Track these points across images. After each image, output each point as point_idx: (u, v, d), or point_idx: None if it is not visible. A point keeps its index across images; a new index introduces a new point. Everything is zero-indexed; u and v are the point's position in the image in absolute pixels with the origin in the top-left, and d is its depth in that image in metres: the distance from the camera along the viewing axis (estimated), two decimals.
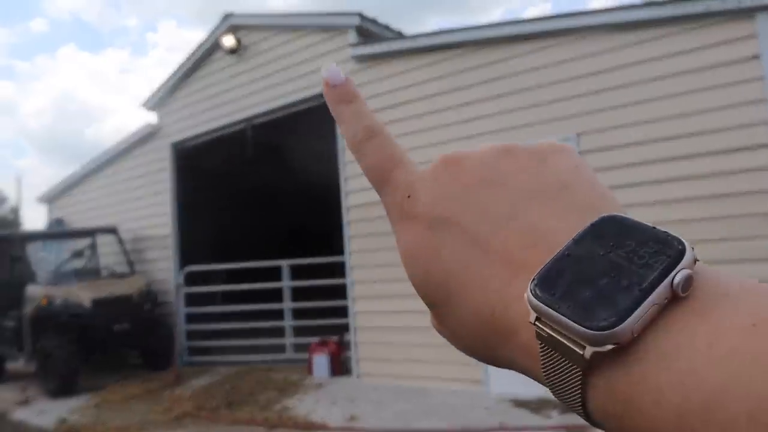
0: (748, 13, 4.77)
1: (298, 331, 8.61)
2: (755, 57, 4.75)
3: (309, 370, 7.62)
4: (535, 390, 5.75)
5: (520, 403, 5.61)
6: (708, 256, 4.87)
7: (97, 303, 8.34)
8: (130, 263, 9.74)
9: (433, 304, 0.35)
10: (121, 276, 9.43)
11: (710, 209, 4.93)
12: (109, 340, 8.63)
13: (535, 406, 5.48)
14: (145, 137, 10.24)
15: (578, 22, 5.67)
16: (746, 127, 4.78)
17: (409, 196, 0.37)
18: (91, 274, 9.80)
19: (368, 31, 7.48)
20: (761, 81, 4.72)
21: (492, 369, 6.10)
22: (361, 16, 7.33)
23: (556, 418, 5.11)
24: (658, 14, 5.24)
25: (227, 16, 8.78)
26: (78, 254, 10.33)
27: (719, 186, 4.90)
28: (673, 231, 0.27)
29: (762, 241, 4.68)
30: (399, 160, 0.40)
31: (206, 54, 9.29)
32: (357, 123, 0.41)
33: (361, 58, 7.28)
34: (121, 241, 9.90)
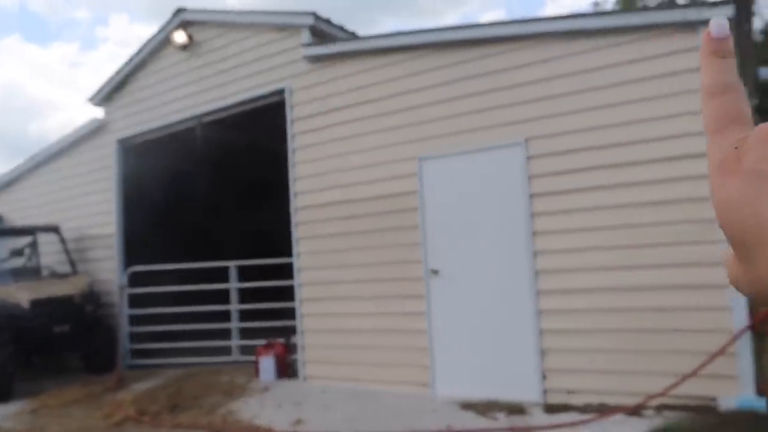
0: (692, 26, 4.91)
1: (246, 334, 8.48)
2: (698, 69, 4.88)
3: (256, 372, 7.51)
4: (482, 392, 5.81)
5: (467, 405, 5.63)
6: (651, 260, 5.01)
7: (36, 304, 8.04)
8: (72, 263, 9.43)
9: (744, 247, 0.40)
10: (63, 276, 9.12)
11: (654, 215, 5.06)
12: (49, 343, 8.33)
13: (482, 408, 5.51)
14: (91, 133, 9.94)
15: (531, 29, 5.75)
16: (689, 136, 4.92)
17: (736, 148, 0.41)
18: (30, 273, 9.45)
19: (322, 31, 7.44)
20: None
21: (439, 372, 6.12)
22: (315, 15, 7.28)
23: (502, 420, 5.14)
24: (608, 24, 5.37)
25: (179, 12, 8.61)
26: (17, 253, 9.95)
27: (663, 193, 5.02)
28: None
29: (704, 246, 4.81)
30: (742, 118, 0.44)
31: (156, 49, 9.09)
32: (722, 76, 0.46)
33: (314, 59, 7.23)
34: (63, 240, 9.57)
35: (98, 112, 9.92)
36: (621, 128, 5.23)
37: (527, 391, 5.56)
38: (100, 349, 8.74)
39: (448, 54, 6.25)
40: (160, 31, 8.92)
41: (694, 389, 4.71)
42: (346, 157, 6.91)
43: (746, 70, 5.74)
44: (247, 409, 6.17)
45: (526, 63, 5.76)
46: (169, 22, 8.74)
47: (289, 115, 7.44)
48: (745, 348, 4.59)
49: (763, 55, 20.19)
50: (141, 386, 7.65)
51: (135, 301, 9.11)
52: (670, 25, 5.03)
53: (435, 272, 6.20)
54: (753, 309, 4.66)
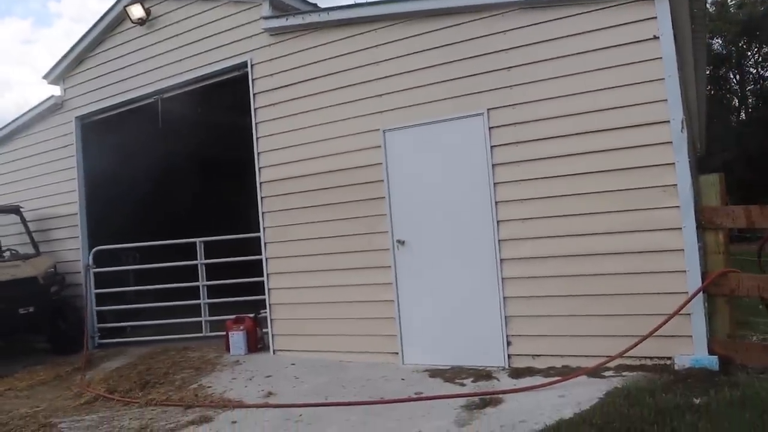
0: None
1: (216, 309, 8.47)
2: (655, 38, 4.98)
3: (226, 347, 7.55)
4: (449, 360, 5.93)
5: (435, 373, 5.75)
6: (607, 227, 5.15)
7: (0, 286, 7.93)
8: (35, 244, 9.28)
9: None
10: (26, 258, 8.97)
11: (611, 182, 5.17)
12: (14, 325, 8.26)
13: (449, 375, 5.63)
14: (48, 110, 9.69)
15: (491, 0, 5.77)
16: (646, 104, 5.02)
17: None
18: None
19: (283, 3, 7.34)
20: (660, 60, 4.96)
21: (406, 340, 6.23)
22: None
23: (469, 385, 5.27)
24: None
25: None
26: None
27: (619, 160, 5.13)
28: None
29: (660, 212, 4.95)
30: None
31: (114, 24, 8.87)
32: None
33: (275, 31, 7.15)
34: (24, 221, 9.40)
35: (55, 90, 9.69)
36: (578, 98, 5.31)
37: (493, 357, 5.70)
38: (66, 329, 8.68)
39: (409, 25, 6.23)
40: (115, 5, 8.70)
41: (652, 350, 4.88)
42: (310, 131, 6.89)
43: (698, 42, 5.85)
44: (218, 383, 6.21)
45: (487, 33, 5.78)
46: None
47: (252, 89, 7.37)
48: (698, 309, 4.76)
49: (716, 27, 20.56)
50: (110, 365, 7.64)
51: (101, 280, 9.02)
52: None
53: (401, 243, 6.27)
54: (706, 271, 4.83)
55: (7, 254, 9.33)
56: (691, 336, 4.78)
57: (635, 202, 5.06)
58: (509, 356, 5.65)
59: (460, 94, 5.92)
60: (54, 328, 8.68)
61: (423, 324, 6.16)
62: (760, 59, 27.85)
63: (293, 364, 6.65)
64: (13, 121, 10.22)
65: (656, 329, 4.75)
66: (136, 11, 8.34)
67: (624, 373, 4.89)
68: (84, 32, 9.19)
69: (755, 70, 28.36)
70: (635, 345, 4.82)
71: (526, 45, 5.58)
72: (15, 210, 9.48)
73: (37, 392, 6.76)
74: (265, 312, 7.33)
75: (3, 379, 7.40)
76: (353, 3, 6.88)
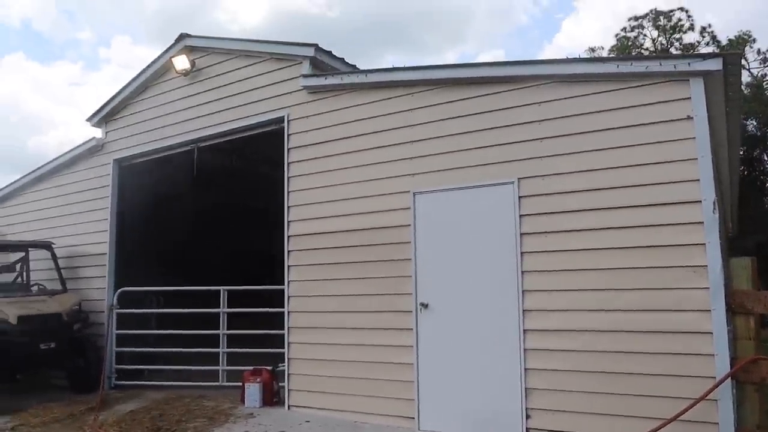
0: (683, 76, 5.04)
1: (234, 359, 8.44)
2: (689, 118, 5.01)
3: (241, 398, 7.48)
4: (466, 428, 5.80)
5: None
6: (634, 304, 5.07)
7: (24, 320, 8.02)
8: (63, 281, 9.41)
9: None
10: (52, 293, 9.10)
11: (641, 259, 5.12)
12: (34, 359, 8.29)
13: None
14: (89, 151, 9.99)
15: (527, 71, 5.89)
16: (678, 183, 5.01)
17: None
18: (20, 289, 9.43)
19: (323, 63, 7.56)
20: (693, 140, 4.98)
21: (423, 406, 6.12)
22: (317, 47, 7.41)
23: None
24: (602, 70, 5.51)
25: (182, 37, 8.75)
26: (8, 268, 9.93)
27: (650, 237, 5.09)
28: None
29: (689, 292, 4.87)
30: None
31: (158, 73, 9.20)
32: None
33: (313, 89, 7.35)
34: (54, 257, 9.57)
35: (97, 132, 10.01)
36: (611, 172, 5.32)
37: (511, 429, 5.56)
38: (85, 368, 8.69)
39: (445, 91, 6.37)
40: (162, 55, 9.04)
41: None
42: (341, 188, 6.99)
43: (733, 123, 5.87)
44: None
45: (521, 104, 5.87)
46: (171, 47, 8.87)
47: (286, 143, 7.53)
48: (726, 396, 4.62)
49: (751, 109, 20.57)
50: (125, 407, 7.61)
51: (124, 321, 9.08)
52: (663, 74, 5.15)
53: (424, 306, 6.24)
54: (735, 357, 4.70)
55: (34, 289, 9.46)
56: (717, 423, 4.62)
57: (664, 281, 4.99)
58: (528, 429, 5.50)
59: (491, 161, 5.98)
60: (73, 366, 8.70)
61: (441, 390, 6.06)
62: None
63: (307, 421, 6.56)
64: (54, 159, 10.54)
65: (681, 413, 4.60)
66: (181, 63, 8.64)
67: None
68: (129, 79, 9.55)
69: None
70: (659, 428, 4.67)
71: (559, 117, 5.65)
72: (47, 246, 9.67)
73: (49, 430, 6.76)
74: (284, 366, 7.28)
75: (18, 414, 7.41)
76: (391, 67, 7.06)
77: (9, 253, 10.25)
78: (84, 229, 9.90)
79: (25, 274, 9.85)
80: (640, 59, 5.64)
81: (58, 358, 8.51)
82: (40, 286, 9.46)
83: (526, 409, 5.53)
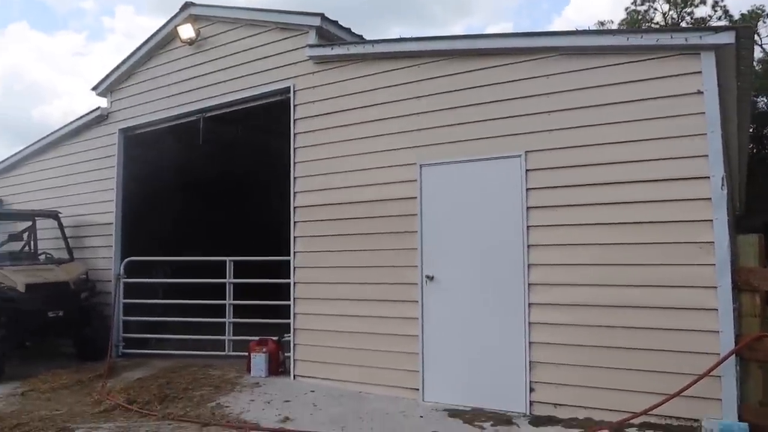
0: (694, 50, 4.96)
1: (240, 329, 8.51)
2: (699, 92, 4.94)
3: (247, 368, 7.57)
4: (470, 400, 5.86)
5: (454, 413, 5.70)
6: (640, 279, 5.07)
7: (32, 288, 8.10)
8: (70, 250, 9.47)
9: None
10: (59, 262, 9.16)
11: (648, 235, 5.10)
12: (42, 327, 8.39)
13: (469, 416, 5.57)
14: (93, 121, 9.97)
15: (535, 43, 5.80)
16: (686, 158, 4.97)
17: None
18: (27, 258, 9.50)
19: (329, 33, 7.48)
20: (702, 115, 4.91)
21: (428, 377, 6.18)
22: (323, 17, 7.33)
23: (488, 430, 5.19)
24: (611, 42, 5.43)
25: (187, 6, 8.66)
26: (15, 237, 9.99)
27: (657, 213, 5.06)
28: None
29: (695, 269, 4.86)
30: None
31: (163, 42, 9.13)
32: None
33: (319, 60, 7.28)
34: (61, 227, 9.61)
35: (102, 102, 9.98)
36: (617, 147, 5.27)
37: (514, 403, 5.62)
38: (92, 336, 8.79)
39: (452, 63, 6.29)
40: (167, 24, 8.97)
41: (678, 410, 4.76)
42: (347, 160, 6.96)
43: (743, 99, 5.79)
44: (236, 404, 6.22)
45: (529, 76, 5.80)
46: (176, 15, 8.78)
47: (292, 114, 7.49)
48: (730, 372, 4.64)
49: (762, 86, 20.28)
50: (132, 375, 7.71)
51: (130, 290, 9.15)
52: (673, 47, 5.07)
53: (430, 278, 6.25)
54: (740, 334, 4.71)
55: (42, 257, 9.53)
56: (720, 399, 4.65)
57: (670, 256, 4.98)
58: (531, 403, 5.55)
59: (498, 134, 5.93)
60: (80, 334, 8.80)
61: (446, 362, 6.11)
62: None
63: (312, 391, 6.64)
64: (60, 129, 10.53)
65: (685, 389, 4.64)
66: (186, 32, 8.56)
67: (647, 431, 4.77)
68: (134, 48, 9.49)
69: None
70: (662, 403, 4.72)
71: (568, 90, 5.58)
72: (54, 215, 9.71)
73: (58, 396, 6.85)
74: (289, 336, 7.34)
75: (27, 380, 7.52)
76: (398, 37, 6.97)
77: (16, 222, 10.32)
78: (90, 199, 9.93)
79: (32, 243, 9.92)
80: (650, 32, 5.54)
81: (66, 326, 8.61)
82: (48, 255, 9.52)
83: (530, 382, 5.57)
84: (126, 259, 9.17)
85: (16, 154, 11.36)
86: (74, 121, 10.26)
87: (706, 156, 4.88)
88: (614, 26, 24.41)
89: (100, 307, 9.24)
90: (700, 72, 4.95)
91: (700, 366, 4.68)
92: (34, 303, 8.06)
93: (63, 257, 9.37)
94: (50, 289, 8.32)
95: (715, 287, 4.75)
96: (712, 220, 4.81)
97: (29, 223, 9.98)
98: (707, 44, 4.88)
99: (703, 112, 4.92)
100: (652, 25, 24.92)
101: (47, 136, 10.72)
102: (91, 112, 9.99)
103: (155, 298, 9.51)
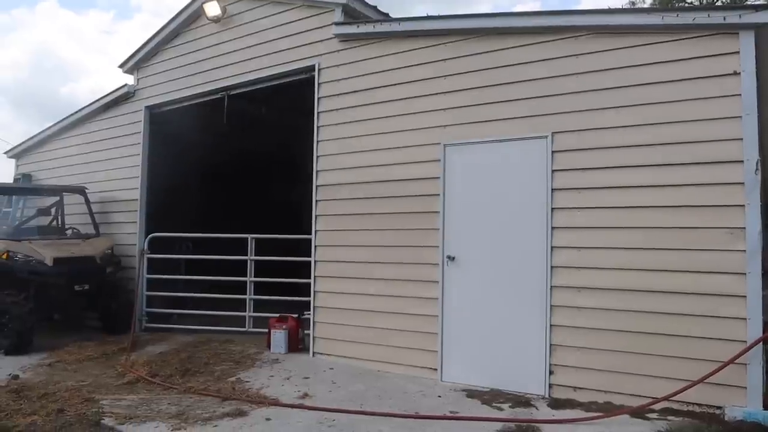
0: (733, 29, 4.81)
1: (261, 306, 8.57)
2: (736, 73, 4.80)
3: (267, 344, 7.62)
4: (489, 381, 5.84)
5: (473, 393, 5.68)
6: (666, 264, 4.98)
7: (59, 262, 8.22)
8: (96, 225, 9.60)
9: None
10: (86, 237, 9.29)
11: (676, 219, 4.99)
12: (69, 301, 8.54)
13: (488, 397, 5.55)
14: (120, 98, 10.06)
15: (563, 22, 5.67)
16: (719, 141, 4.83)
17: None
18: (55, 232, 9.66)
19: (355, 11, 7.41)
20: (738, 97, 4.77)
21: (447, 357, 6.16)
22: None
23: (507, 411, 5.17)
24: (645, 21, 5.27)
25: None
26: (43, 212, 10.16)
27: (687, 197, 4.94)
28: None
29: (724, 255, 4.75)
30: None
31: (189, 20, 9.14)
32: None
33: (345, 38, 7.22)
34: (87, 202, 9.74)
35: (129, 79, 10.04)
36: (647, 129, 5.15)
37: (533, 385, 5.59)
38: (117, 310, 8.93)
39: (479, 42, 6.19)
40: (193, 1, 8.96)
41: (702, 396, 4.69)
42: (371, 139, 6.92)
43: None
44: (256, 379, 6.27)
45: (558, 56, 5.68)
46: None
47: (317, 93, 7.45)
48: (756, 360, 4.54)
49: None
50: (154, 349, 7.82)
51: (154, 266, 9.26)
52: (710, 26, 4.92)
53: (451, 258, 6.21)
54: None
55: (69, 232, 9.67)
56: (745, 387, 4.56)
57: (699, 241, 4.88)
58: (550, 385, 5.51)
59: (525, 115, 5.84)
60: (106, 308, 8.95)
61: (465, 342, 6.08)
62: None
63: (331, 369, 6.67)
64: (87, 105, 10.64)
65: (708, 375, 4.56)
66: (212, 9, 8.55)
67: (669, 417, 4.70)
68: (161, 26, 9.50)
69: None
70: (684, 389, 4.65)
71: (598, 71, 5.45)
72: (80, 191, 9.85)
73: (84, 367, 6.97)
74: (309, 314, 7.37)
75: (54, 351, 7.68)
76: (425, 15, 6.88)
77: (44, 197, 10.48)
78: (116, 175, 10.05)
79: (59, 218, 10.08)
80: (686, 10, 5.40)
81: (92, 299, 8.75)
82: (75, 230, 9.66)
83: (550, 364, 5.53)
84: (150, 235, 9.26)
85: (44, 130, 11.53)
86: (101, 99, 10.36)
87: (741, 139, 4.74)
88: (646, 5, 23.78)
89: (125, 281, 9.37)
90: (737, 52, 4.79)
91: (725, 353, 4.59)
92: (62, 277, 8.19)
93: (89, 232, 9.50)
94: (77, 264, 8.44)
95: (745, 273, 4.64)
96: (744, 205, 4.69)
97: (57, 199, 10.13)
98: (747, 23, 4.72)
99: (739, 94, 4.77)
100: (685, 4, 24.30)
101: (75, 113, 10.85)
102: (118, 89, 10.07)
103: (178, 274, 9.61)
